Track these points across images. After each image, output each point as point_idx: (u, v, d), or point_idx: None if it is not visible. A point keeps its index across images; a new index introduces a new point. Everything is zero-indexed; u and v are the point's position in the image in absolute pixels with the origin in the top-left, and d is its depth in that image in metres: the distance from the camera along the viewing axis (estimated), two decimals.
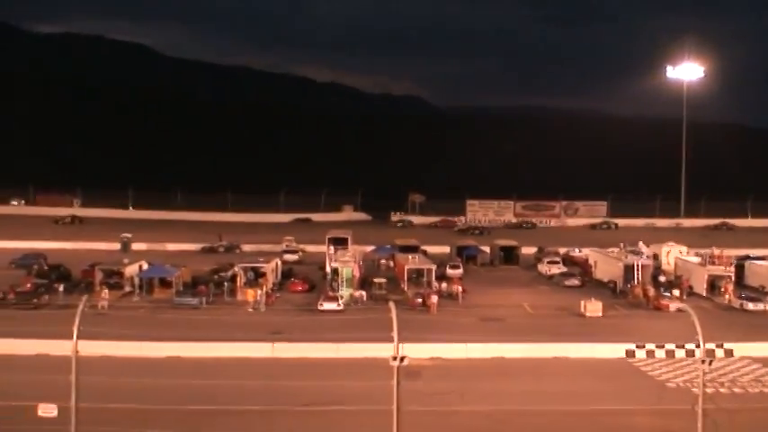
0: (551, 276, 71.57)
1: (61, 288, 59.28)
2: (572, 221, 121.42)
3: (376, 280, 64.27)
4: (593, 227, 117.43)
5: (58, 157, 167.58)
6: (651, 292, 61.21)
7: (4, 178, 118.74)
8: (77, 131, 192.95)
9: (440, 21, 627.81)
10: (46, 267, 67.99)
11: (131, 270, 63.57)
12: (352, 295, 59.80)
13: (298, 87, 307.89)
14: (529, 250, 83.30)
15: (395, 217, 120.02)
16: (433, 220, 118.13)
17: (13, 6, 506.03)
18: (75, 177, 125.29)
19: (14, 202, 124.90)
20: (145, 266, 65.22)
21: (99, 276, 62.00)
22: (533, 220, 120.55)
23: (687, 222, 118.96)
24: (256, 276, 63.63)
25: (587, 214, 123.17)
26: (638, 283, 63.32)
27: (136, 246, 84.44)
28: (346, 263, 63.80)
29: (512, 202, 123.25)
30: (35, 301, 56.96)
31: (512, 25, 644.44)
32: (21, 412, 28.54)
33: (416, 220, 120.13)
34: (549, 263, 74.67)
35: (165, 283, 61.91)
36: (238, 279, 62.38)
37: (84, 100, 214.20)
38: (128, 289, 61.64)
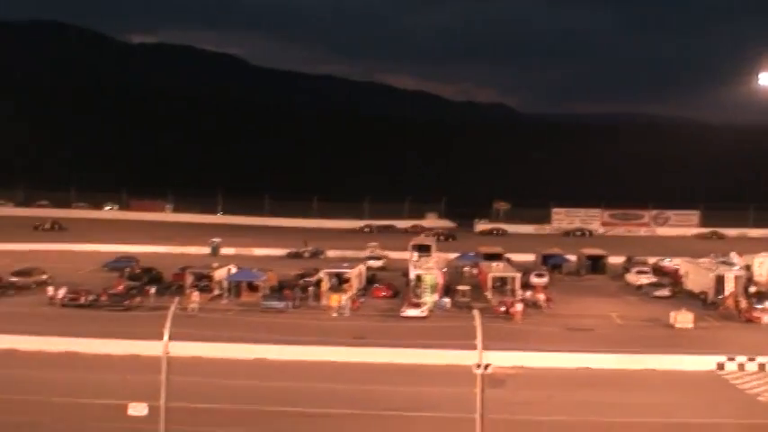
0: (640, 286, 70.03)
1: (153, 290, 60.78)
2: (662, 231, 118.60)
3: (459, 287, 64.01)
4: (699, 237, 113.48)
5: (150, 164, 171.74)
6: (743, 303, 59.50)
7: (99, 184, 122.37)
8: (167, 139, 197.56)
9: (526, 28, 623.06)
10: (138, 270, 69.66)
11: (220, 274, 64.74)
12: (435, 302, 59.78)
13: (383, 95, 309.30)
14: (617, 260, 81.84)
15: (479, 225, 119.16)
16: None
17: (108, 17, 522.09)
18: (167, 183, 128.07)
19: (108, 207, 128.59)
20: (233, 270, 66.29)
21: (189, 279, 63.36)
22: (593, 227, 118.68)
23: None
24: (341, 282, 64.14)
25: (678, 223, 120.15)
26: (729, 294, 61.66)
27: (225, 250, 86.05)
28: (430, 270, 63.79)
29: (599, 211, 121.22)
30: (127, 302, 58.43)
31: (598, 32, 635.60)
32: (112, 411, 29.33)
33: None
34: (637, 272, 73.16)
35: (252, 287, 62.83)
36: (323, 284, 62.96)
37: (174, 109, 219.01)
38: (217, 292, 62.77)
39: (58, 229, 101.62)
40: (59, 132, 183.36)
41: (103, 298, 58.76)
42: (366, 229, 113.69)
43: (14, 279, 64.54)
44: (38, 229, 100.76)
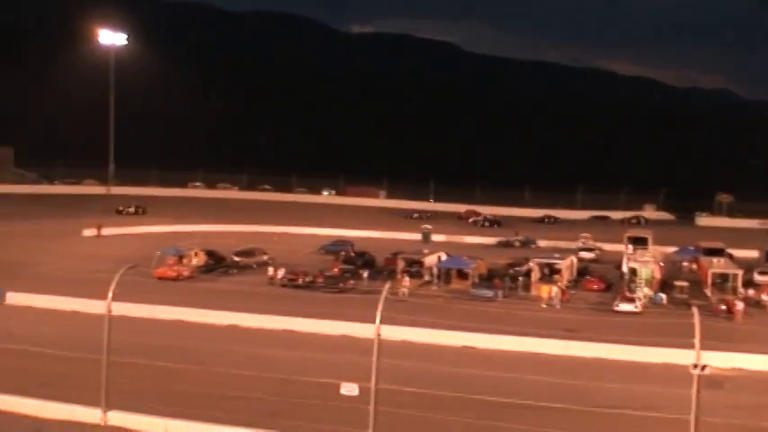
0: None
1: (365, 274, 62.38)
2: None
3: (677, 283, 61.30)
4: None
5: (366, 150, 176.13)
6: None
7: (318, 170, 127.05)
8: (391, 126, 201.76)
9: (753, 11, 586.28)
10: (352, 254, 71.69)
11: (431, 260, 65.49)
12: (651, 297, 57.75)
13: (601, 81, 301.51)
14: None
15: (701, 219, 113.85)
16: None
17: (328, 8, 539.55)
18: (382, 170, 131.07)
19: (326, 193, 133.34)
20: (444, 257, 66.89)
21: (401, 265, 64.53)
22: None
23: None
24: (551, 272, 63.23)
25: None
26: None
27: (436, 237, 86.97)
28: (646, 263, 61.63)
29: None
30: (341, 285, 60.29)
31: None
32: (325, 389, 30.34)
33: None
34: None
35: (462, 275, 63.13)
36: (533, 274, 62.30)
37: (390, 97, 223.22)
38: (427, 278, 63.54)
39: (141, 213, 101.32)
40: (279, 118, 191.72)
41: (320, 280, 60.89)
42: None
43: (237, 259, 68.17)
44: (121, 213, 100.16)
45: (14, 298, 50.70)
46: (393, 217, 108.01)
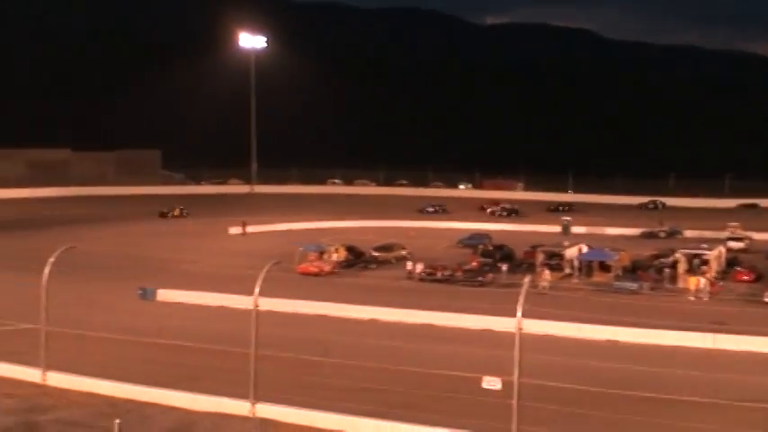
0: None
1: (504, 268, 61.85)
2: None
3: None
4: None
5: (503, 142, 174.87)
6: None
7: (454, 164, 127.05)
8: (528, 118, 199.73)
9: None
10: (491, 247, 71.28)
11: (571, 253, 64.39)
12: None
13: (746, 64, 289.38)
14: None
15: None
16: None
17: (459, 2, 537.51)
18: (518, 162, 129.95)
19: (462, 186, 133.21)
20: (584, 249, 65.63)
21: (540, 258, 63.70)
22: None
23: None
24: (699, 264, 61.07)
25: None
26: None
27: (575, 229, 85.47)
28: None
29: None
30: (480, 279, 60.03)
31: None
32: (466, 383, 30.29)
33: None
34: None
35: (603, 267, 61.77)
36: (680, 266, 60.33)
37: (528, 87, 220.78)
38: (567, 271, 62.51)
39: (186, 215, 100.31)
40: (414, 113, 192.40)
41: (458, 273, 60.82)
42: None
43: (376, 254, 68.88)
44: (166, 216, 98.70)
45: (165, 295, 52.80)
46: (531, 210, 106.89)
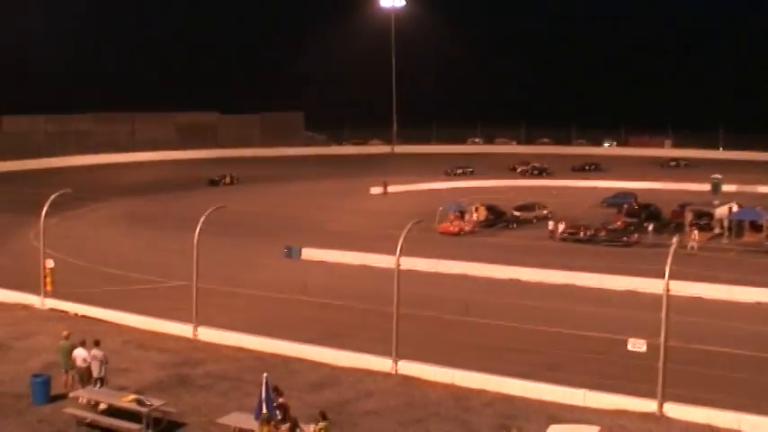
0: None
1: (650, 227, 60.19)
2: None
3: None
4: None
5: (649, 98, 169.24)
6: None
7: (598, 120, 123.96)
8: (665, 73, 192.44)
9: None
10: (636, 207, 69.41)
11: (721, 212, 62.01)
12: None
13: None
14: None
15: None
16: None
17: None
18: (666, 119, 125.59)
19: (607, 144, 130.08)
20: (735, 209, 63.09)
21: (688, 217, 61.66)
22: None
23: None
24: None
25: None
26: None
27: (726, 187, 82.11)
28: None
29: None
30: (625, 239, 58.64)
31: None
32: (611, 345, 29.81)
33: None
34: None
35: (755, 227, 59.23)
36: None
37: (677, 44, 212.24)
38: (717, 231, 60.30)
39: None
40: (554, 69, 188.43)
41: (602, 233, 59.57)
42: None
43: (517, 213, 68.24)
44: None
45: (308, 253, 53.97)
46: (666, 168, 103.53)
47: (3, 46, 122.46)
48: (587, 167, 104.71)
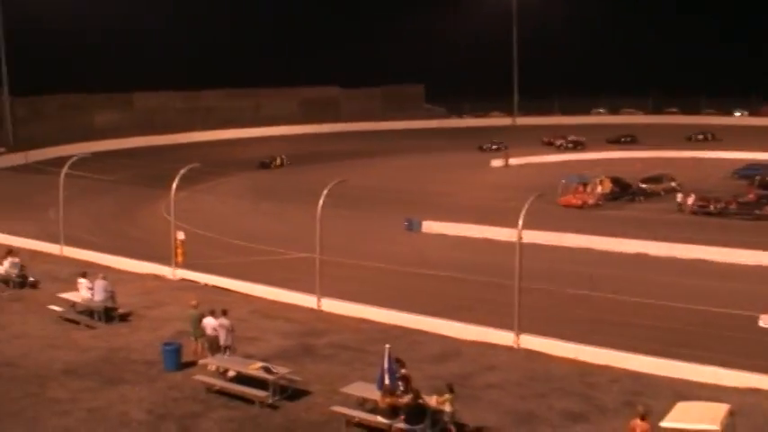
0: None
1: None
2: None
3: None
4: None
5: None
6: None
7: (728, 90, 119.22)
8: None
9: None
10: None
11: None
12: None
13: None
14: None
15: None
16: None
17: None
18: None
19: (738, 114, 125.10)
20: None
21: None
22: None
23: None
24: None
25: None
26: None
27: None
28: None
29: None
30: (757, 212, 56.43)
31: None
32: (741, 320, 28.81)
33: None
34: None
35: None
36: None
37: None
38: None
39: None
40: (682, 34, 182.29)
41: (733, 206, 57.54)
42: None
43: (644, 186, 66.47)
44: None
45: (429, 226, 54.08)
46: None
47: (133, 26, 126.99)
48: (623, 139, 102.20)
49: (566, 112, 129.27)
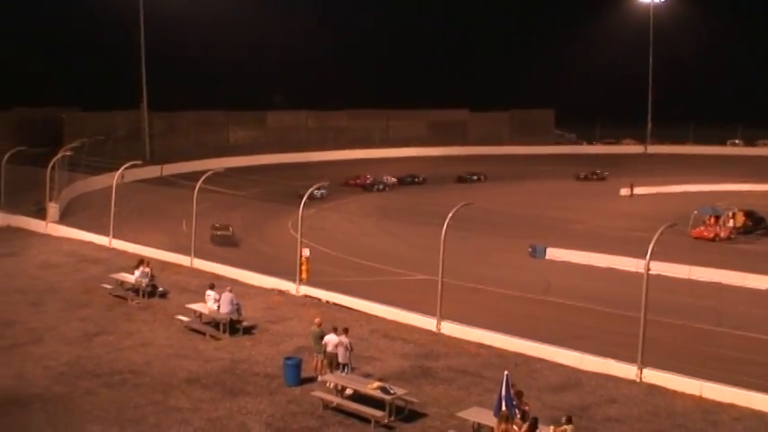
0: None
1: None
2: None
3: None
4: None
5: None
6: None
7: None
8: None
9: None
10: None
11: None
12: None
13: None
14: None
15: None
16: None
17: None
18: None
19: None
20: None
21: None
22: None
23: None
24: None
25: None
26: None
27: None
28: None
29: None
30: None
31: None
32: None
33: None
34: None
35: None
36: None
37: None
38: None
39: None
40: None
41: None
42: None
43: None
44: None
45: (553, 253, 53.42)
46: None
47: (269, 50, 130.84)
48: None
49: (699, 141, 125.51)
